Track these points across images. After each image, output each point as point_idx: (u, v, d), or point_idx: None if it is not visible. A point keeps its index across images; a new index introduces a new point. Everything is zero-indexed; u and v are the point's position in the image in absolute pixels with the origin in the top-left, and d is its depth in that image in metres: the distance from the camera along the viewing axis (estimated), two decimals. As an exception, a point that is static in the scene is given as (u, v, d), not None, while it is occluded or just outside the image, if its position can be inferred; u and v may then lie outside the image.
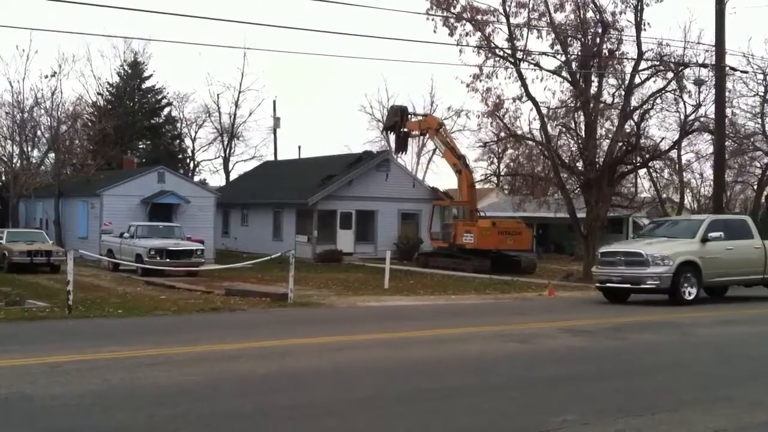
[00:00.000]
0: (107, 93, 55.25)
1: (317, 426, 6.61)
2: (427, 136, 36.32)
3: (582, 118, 27.26)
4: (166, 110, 58.11)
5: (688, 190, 45.83)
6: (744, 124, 35.08)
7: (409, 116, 34.50)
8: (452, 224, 32.15)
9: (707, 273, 17.87)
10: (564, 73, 27.19)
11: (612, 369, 9.53)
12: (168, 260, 25.48)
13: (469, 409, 7.17)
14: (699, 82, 28.35)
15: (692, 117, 29.56)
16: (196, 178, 55.76)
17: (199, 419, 6.66)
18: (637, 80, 27.00)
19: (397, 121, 33.90)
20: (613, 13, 26.37)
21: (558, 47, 26.65)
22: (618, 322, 14.00)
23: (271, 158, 56.28)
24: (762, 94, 33.93)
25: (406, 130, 34.40)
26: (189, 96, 63.46)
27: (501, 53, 26.94)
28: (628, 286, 17.92)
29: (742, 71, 30.01)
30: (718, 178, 27.34)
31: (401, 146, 35.31)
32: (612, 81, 27.58)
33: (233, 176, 58.05)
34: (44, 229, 34.42)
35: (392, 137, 36.35)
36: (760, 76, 32.57)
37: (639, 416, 6.85)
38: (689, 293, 17.50)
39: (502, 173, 50.65)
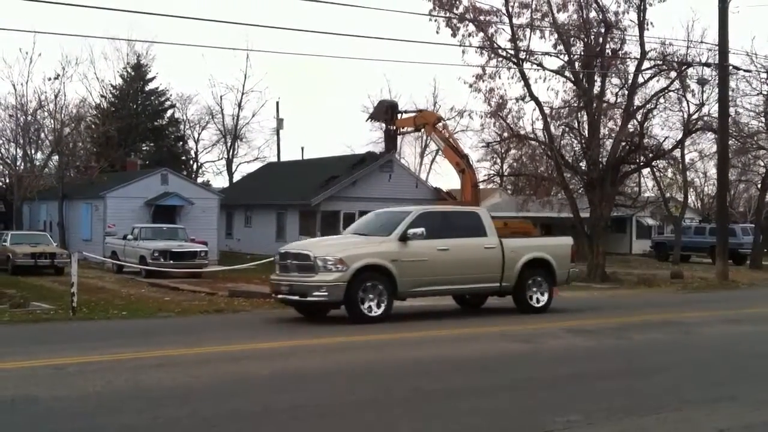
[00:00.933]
0: (110, 95, 55.35)
1: (321, 426, 6.62)
2: (423, 131, 36.16)
3: (585, 117, 27.25)
4: (170, 112, 58.19)
5: (691, 190, 45.95)
6: (747, 122, 35.16)
7: (400, 114, 34.44)
8: None
9: (406, 281, 13.84)
10: (567, 73, 27.18)
11: (615, 368, 9.52)
12: (172, 262, 25.51)
13: (472, 409, 7.17)
14: (702, 82, 28.34)
15: (695, 116, 29.58)
16: (200, 180, 55.87)
17: (204, 420, 6.67)
18: (640, 80, 26.99)
19: (386, 119, 33.89)
20: (616, 13, 26.39)
21: (561, 47, 26.64)
22: (621, 322, 13.99)
23: (275, 159, 56.35)
24: (765, 92, 33.92)
25: (394, 128, 34.32)
26: (192, 98, 63.55)
27: (504, 53, 26.92)
28: (297, 298, 13.82)
29: (745, 70, 30.06)
30: (722, 177, 27.36)
31: (390, 144, 35.30)
32: (615, 81, 27.57)
33: (236, 177, 58.12)
34: (48, 231, 34.48)
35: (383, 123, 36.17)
36: (764, 75, 32.58)
37: (643, 416, 6.84)
38: (373, 308, 13.52)
39: (505, 173, 50.59)
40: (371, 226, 15.21)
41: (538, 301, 15.67)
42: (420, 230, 14.01)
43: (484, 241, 15.07)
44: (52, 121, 38.33)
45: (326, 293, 13.30)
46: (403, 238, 13.99)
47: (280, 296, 14.32)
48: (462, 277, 14.74)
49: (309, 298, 13.53)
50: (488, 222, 15.47)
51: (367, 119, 37.80)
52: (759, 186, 38.49)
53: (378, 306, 13.58)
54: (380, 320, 13.38)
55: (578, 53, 27.02)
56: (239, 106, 59.98)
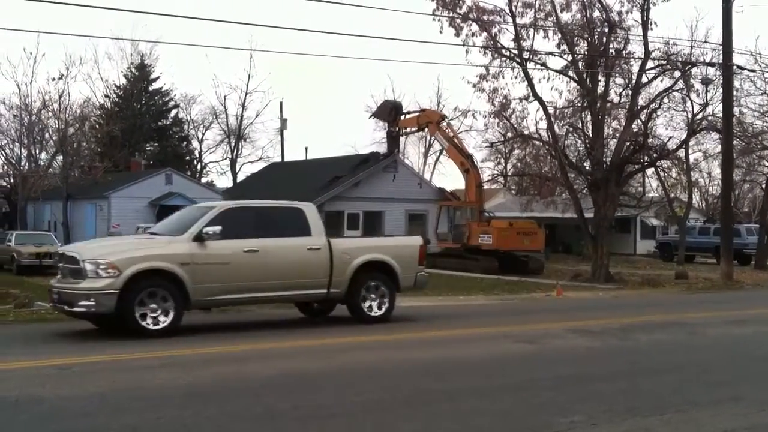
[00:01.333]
0: (114, 95, 55.55)
1: (325, 427, 6.62)
2: (427, 131, 36.21)
3: (589, 117, 27.23)
4: (173, 112, 58.42)
5: (695, 190, 45.81)
6: (752, 122, 35.12)
7: (403, 115, 34.52)
8: (465, 225, 31.72)
9: (201, 288, 11.88)
10: (571, 73, 27.17)
11: (619, 369, 9.50)
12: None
13: (476, 410, 7.16)
14: (706, 81, 28.31)
15: (700, 116, 29.55)
16: (204, 180, 56.04)
17: (208, 420, 6.68)
18: (644, 79, 26.99)
19: (389, 120, 34.02)
20: (620, 13, 26.38)
21: (564, 47, 26.63)
22: (625, 323, 13.96)
23: (278, 159, 56.38)
24: (770, 92, 33.83)
25: (397, 129, 34.42)
26: (196, 98, 63.72)
27: (507, 53, 26.93)
28: (66, 308, 11.80)
29: (749, 70, 30.03)
30: (726, 178, 27.31)
31: (393, 145, 35.43)
32: (619, 80, 27.58)
33: (240, 178, 58.23)
34: (52, 231, 34.57)
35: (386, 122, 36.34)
36: (768, 75, 32.49)
37: (647, 417, 6.83)
38: (154, 320, 11.55)
39: (509, 173, 50.62)
40: (171, 225, 13.18)
41: (372, 309, 13.68)
42: (217, 229, 12.01)
43: (306, 241, 13.05)
44: (56, 121, 38.48)
45: (93, 303, 11.29)
46: (199, 238, 11.98)
47: (57, 305, 12.25)
48: (277, 283, 12.71)
49: (75, 309, 11.51)
50: (315, 220, 13.40)
51: (370, 117, 37.95)
52: (763, 186, 38.41)
53: (157, 320, 11.59)
54: (164, 334, 11.46)
55: (582, 53, 27.02)
56: (243, 106, 60.17)
